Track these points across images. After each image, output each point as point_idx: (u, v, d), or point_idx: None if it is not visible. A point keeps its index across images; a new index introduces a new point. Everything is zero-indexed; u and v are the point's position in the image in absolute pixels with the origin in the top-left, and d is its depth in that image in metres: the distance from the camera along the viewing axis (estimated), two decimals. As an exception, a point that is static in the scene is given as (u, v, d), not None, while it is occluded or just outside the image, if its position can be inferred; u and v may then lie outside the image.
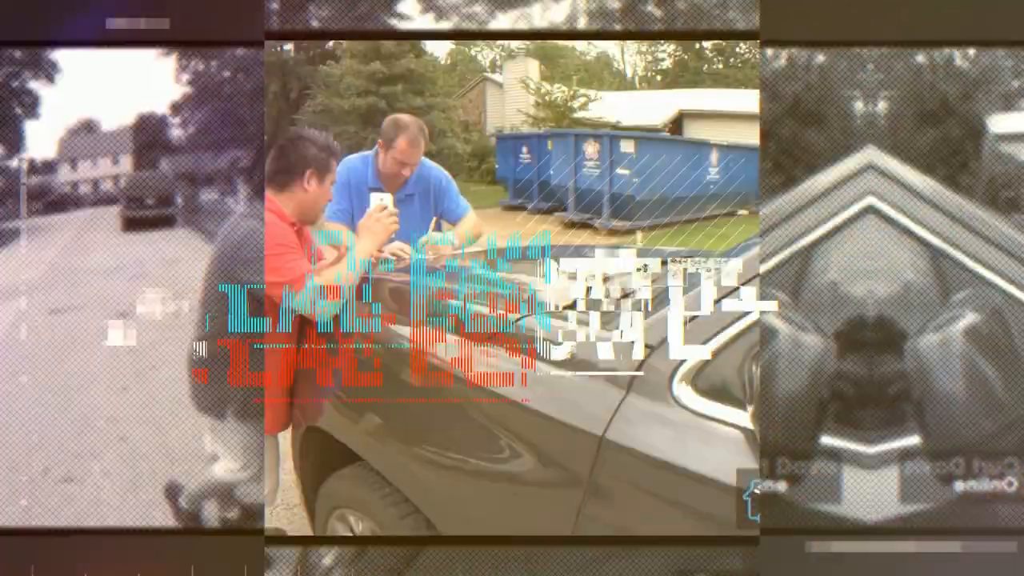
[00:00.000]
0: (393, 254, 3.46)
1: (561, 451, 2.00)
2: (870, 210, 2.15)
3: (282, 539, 3.21)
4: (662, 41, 33.55)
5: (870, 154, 2.20)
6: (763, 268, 2.09)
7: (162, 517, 3.16)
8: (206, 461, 3.14)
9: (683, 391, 1.91)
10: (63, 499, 2.98)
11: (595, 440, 1.91)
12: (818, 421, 1.98)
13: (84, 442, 2.97)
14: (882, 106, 2.92)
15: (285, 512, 3.85)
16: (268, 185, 3.06)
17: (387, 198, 3.23)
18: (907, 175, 2.18)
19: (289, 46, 25.57)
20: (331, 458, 2.85)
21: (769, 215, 2.16)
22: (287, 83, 24.70)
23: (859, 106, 2.95)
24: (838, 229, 2.15)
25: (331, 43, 25.09)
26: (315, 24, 2.99)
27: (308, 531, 3.15)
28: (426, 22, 3.26)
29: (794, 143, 2.90)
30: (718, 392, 1.91)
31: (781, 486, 2.03)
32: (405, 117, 3.90)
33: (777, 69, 2.96)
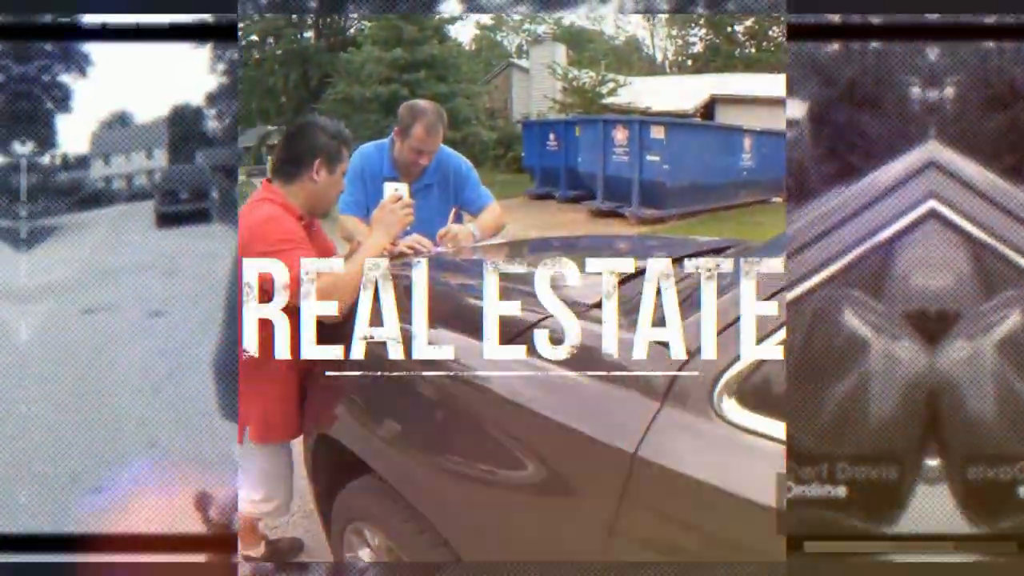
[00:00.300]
0: (410, 248, 3.30)
1: (589, 468, 1.83)
2: (932, 215, 1.98)
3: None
4: (692, 24, 33.37)
5: (932, 149, 2.03)
6: (805, 286, 1.90)
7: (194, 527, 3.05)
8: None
9: (727, 403, 1.73)
10: (91, 509, 2.86)
11: (627, 457, 1.73)
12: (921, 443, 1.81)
13: (115, 448, 2.84)
14: (945, 92, 2.76)
15: (303, 519, 3.71)
16: (274, 176, 2.91)
17: (402, 188, 3.07)
18: (972, 172, 1.99)
19: (309, 33, 25.58)
20: (345, 468, 2.69)
21: (812, 217, 1.98)
22: (307, 71, 24.67)
23: (917, 91, 2.79)
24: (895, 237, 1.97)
25: (352, 29, 25.11)
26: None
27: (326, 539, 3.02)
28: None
29: (848, 127, 2.74)
30: (767, 404, 1.73)
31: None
32: (423, 103, 3.74)
33: (830, 53, 2.81)
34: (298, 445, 3.08)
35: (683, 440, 1.71)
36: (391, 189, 3.06)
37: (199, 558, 2.62)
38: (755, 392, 1.75)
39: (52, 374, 2.89)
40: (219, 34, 2.81)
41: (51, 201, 2.86)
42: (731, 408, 1.73)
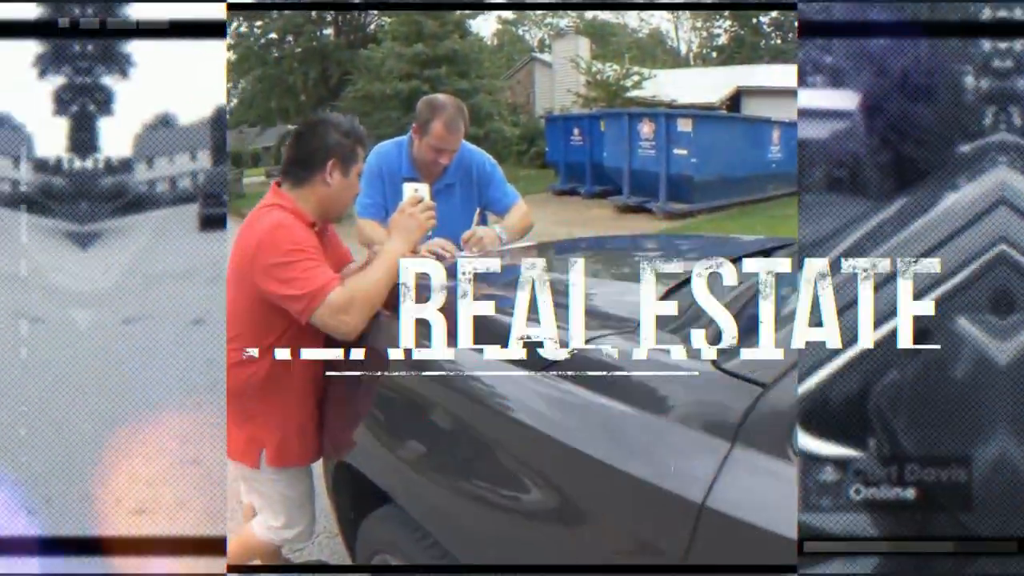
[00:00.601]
0: (432, 253, 3.11)
1: (646, 519, 1.61)
2: (1002, 260, 1.79)
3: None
4: (717, 16, 33.12)
5: (1001, 180, 1.84)
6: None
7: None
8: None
9: (807, 440, 1.52)
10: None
11: (693, 509, 1.49)
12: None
13: (156, 467, 2.69)
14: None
15: (328, 540, 3.55)
16: (284, 179, 2.71)
17: (423, 189, 2.88)
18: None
19: (329, 30, 25.53)
20: (368, 494, 2.52)
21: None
22: (326, 69, 24.61)
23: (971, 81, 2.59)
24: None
25: (372, 25, 25.02)
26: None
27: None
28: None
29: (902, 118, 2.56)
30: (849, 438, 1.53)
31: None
32: (441, 97, 3.55)
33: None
34: (318, 467, 2.91)
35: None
36: (411, 190, 2.86)
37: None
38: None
39: (91, 387, 2.73)
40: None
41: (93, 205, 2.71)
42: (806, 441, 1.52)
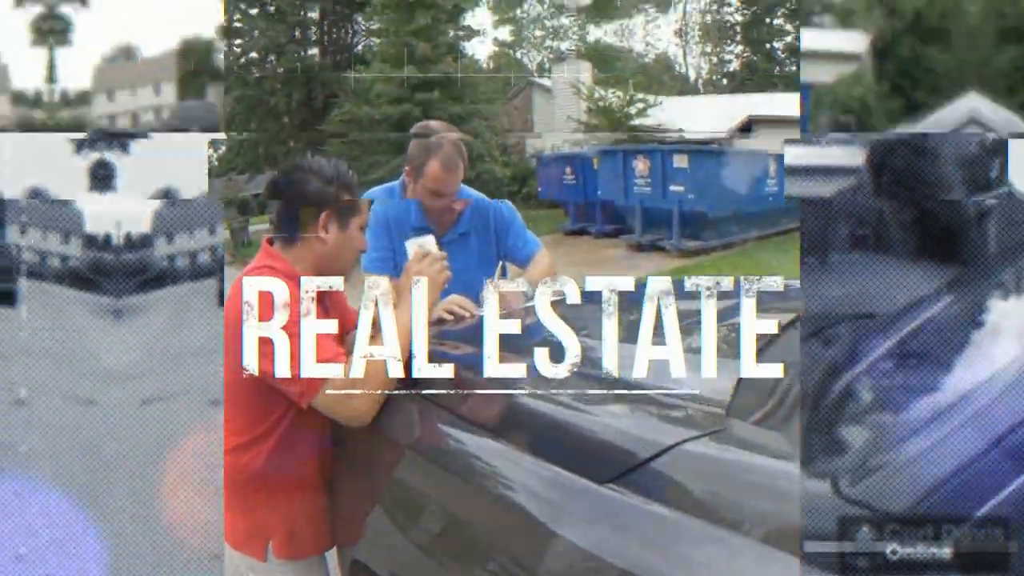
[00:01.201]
0: (449, 312, 2.91)
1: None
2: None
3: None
4: (728, 40, 33.29)
5: None
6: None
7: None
8: None
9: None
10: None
11: None
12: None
13: (179, 561, 2.58)
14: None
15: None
16: (276, 238, 2.53)
17: (428, 242, 2.70)
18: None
19: (314, 50, 25.50)
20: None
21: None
22: (311, 91, 24.53)
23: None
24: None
25: (360, 47, 25.00)
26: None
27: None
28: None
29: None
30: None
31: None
32: (435, 137, 3.37)
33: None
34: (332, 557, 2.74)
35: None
36: (414, 247, 2.70)
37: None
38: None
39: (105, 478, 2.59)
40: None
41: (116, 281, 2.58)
42: None
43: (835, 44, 2.75)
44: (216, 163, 23.75)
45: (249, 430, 2.44)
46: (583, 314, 2.83)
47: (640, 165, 15.25)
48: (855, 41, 2.84)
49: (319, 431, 2.50)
